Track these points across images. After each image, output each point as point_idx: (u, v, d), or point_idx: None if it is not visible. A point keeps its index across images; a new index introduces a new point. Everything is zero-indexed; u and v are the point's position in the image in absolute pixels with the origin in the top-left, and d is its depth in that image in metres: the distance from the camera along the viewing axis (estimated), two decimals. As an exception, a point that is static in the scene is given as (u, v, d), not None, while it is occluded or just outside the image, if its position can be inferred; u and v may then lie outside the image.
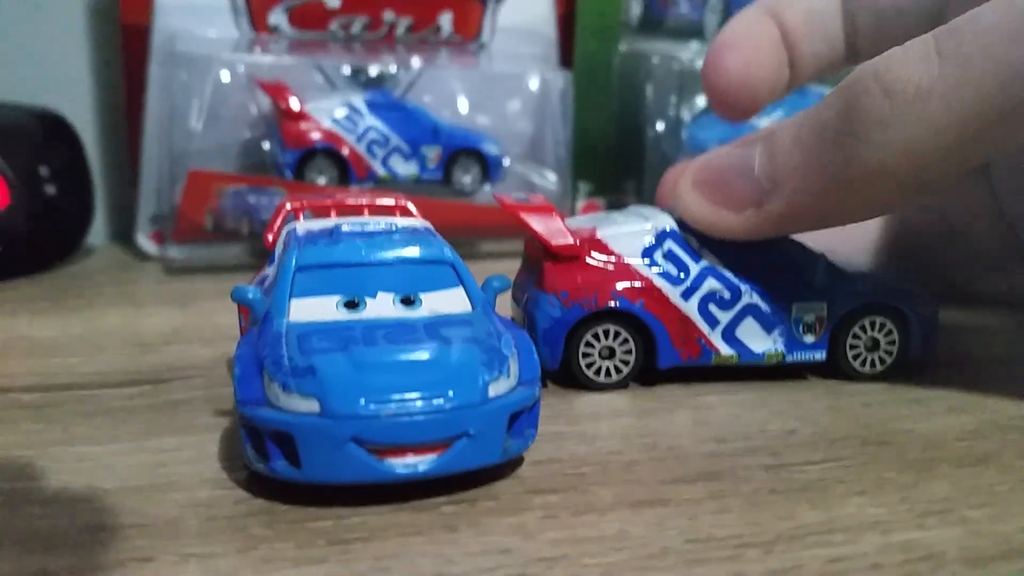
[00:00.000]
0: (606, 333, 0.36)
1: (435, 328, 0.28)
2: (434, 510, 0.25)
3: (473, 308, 0.30)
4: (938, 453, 0.30)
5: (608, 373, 0.36)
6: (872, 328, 0.37)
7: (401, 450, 0.25)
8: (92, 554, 0.23)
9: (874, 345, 0.37)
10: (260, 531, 0.24)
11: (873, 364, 0.37)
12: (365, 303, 0.29)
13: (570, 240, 0.36)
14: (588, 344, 0.36)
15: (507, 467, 0.28)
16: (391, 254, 0.31)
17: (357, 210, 0.38)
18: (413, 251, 0.31)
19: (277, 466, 0.25)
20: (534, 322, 0.36)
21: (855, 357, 0.37)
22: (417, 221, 0.35)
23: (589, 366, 0.36)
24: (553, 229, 0.36)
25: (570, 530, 0.24)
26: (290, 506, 0.25)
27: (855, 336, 0.37)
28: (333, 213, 0.37)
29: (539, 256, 0.37)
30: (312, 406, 0.25)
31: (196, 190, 0.59)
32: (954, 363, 0.40)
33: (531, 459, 0.29)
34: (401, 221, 0.34)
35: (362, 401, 0.25)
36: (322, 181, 0.62)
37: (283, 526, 0.24)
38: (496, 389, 0.26)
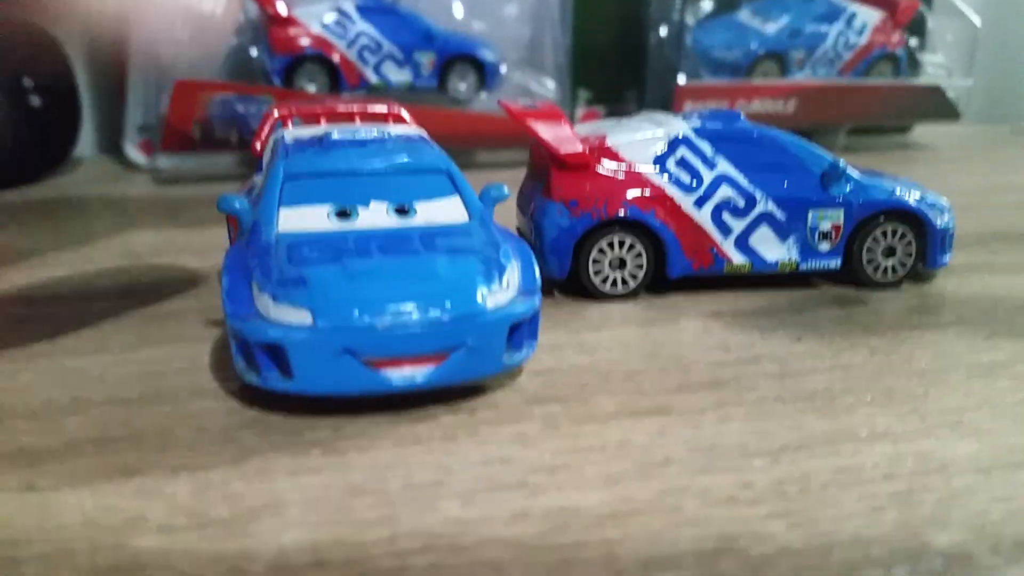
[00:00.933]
0: (617, 243, 0.35)
1: (431, 238, 0.27)
2: (433, 420, 0.25)
3: (470, 218, 0.29)
4: (949, 362, 0.29)
5: (617, 283, 0.35)
6: (890, 236, 0.36)
7: (397, 361, 0.24)
8: (80, 468, 0.22)
9: (890, 252, 0.36)
10: (253, 442, 0.23)
11: (887, 272, 0.36)
12: (358, 212, 0.28)
13: (579, 148, 0.34)
14: (598, 254, 0.35)
15: (507, 377, 0.27)
16: (384, 162, 0.29)
17: (348, 117, 0.36)
18: (407, 159, 0.30)
19: (269, 378, 0.24)
20: (541, 232, 0.35)
21: (870, 264, 0.36)
22: (411, 128, 0.34)
23: (598, 275, 0.35)
24: (562, 137, 0.34)
25: (571, 439, 0.24)
26: (284, 416, 0.25)
27: (872, 243, 0.36)
28: (323, 120, 0.35)
29: (546, 164, 0.35)
30: (304, 317, 0.24)
31: (183, 100, 0.57)
32: (966, 271, 0.39)
33: (532, 369, 0.28)
34: (394, 129, 0.33)
35: (355, 312, 0.24)
36: (312, 89, 0.61)
37: (277, 437, 0.24)
38: (495, 300, 0.25)
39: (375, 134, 0.31)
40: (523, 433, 0.24)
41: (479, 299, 0.25)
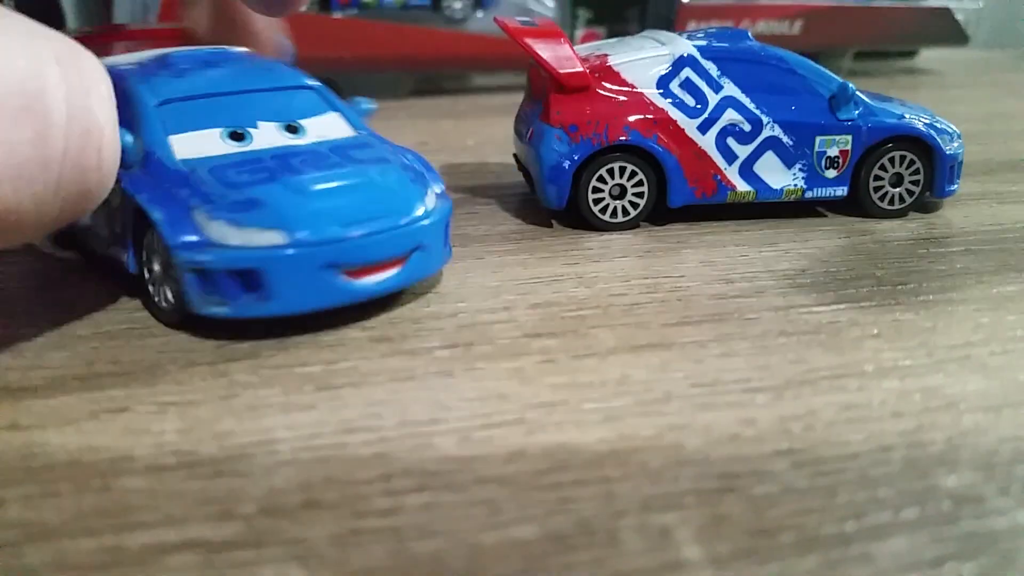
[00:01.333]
0: (618, 170, 0.34)
1: (343, 152, 0.27)
2: (427, 354, 0.24)
3: (356, 131, 0.29)
4: (957, 295, 0.28)
5: (617, 213, 0.34)
6: (897, 163, 0.35)
7: (370, 269, 0.25)
8: (64, 406, 0.21)
9: (898, 180, 0.35)
10: (244, 377, 0.23)
11: (894, 200, 0.35)
12: (250, 134, 0.27)
13: (579, 68, 0.33)
14: (599, 181, 0.34)
15: (504, 309, 0.27)
16: (256, 82, 0.29)
17: (142, 38, 0.33)
18: (277, 78, 0.29)
19: (241, 305, 0.24)
20: (539, 158, 0.34)
21: (877, 192, 0.35)
22: (236, 48, 0.31)
23: (597, 204, 0.34)
24: (561, 56, 0.33)
25: (569, 374, 0.23)
26: (275, 351, 0.24)
27: (880, 170, 0.35)
28: (116, 47, 0.33)
29: (545, 87, 0.34)
30: (276, 238, 0.24)
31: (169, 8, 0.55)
32: (974, 201, 0.38)
33: (528, 302, 0.27)
34: (232, 50, 0.31)
35: (330, 226, 0.24)
36: (302, 8, 0.58)
37: (268, 372, 0.23)
38: (430, 203, 0.27)
39: (220, 54, 0.30)
40: (520, 368, 0.23)
41: (425, 203, 0.27)
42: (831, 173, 0.35)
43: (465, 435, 0.20)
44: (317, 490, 0.18)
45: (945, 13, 0.76)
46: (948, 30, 0.76)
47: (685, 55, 0.34)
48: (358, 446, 0.20)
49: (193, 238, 0.24)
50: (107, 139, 0.22)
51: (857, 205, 0.36)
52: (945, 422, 0.21)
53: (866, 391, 0.22)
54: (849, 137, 0.34)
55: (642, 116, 0.33)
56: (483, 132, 0.40)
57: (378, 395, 0.22)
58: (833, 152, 0.34)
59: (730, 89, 0.34)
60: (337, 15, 0.59)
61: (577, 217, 0.34)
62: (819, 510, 0.18)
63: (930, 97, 0.67)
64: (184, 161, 0.26)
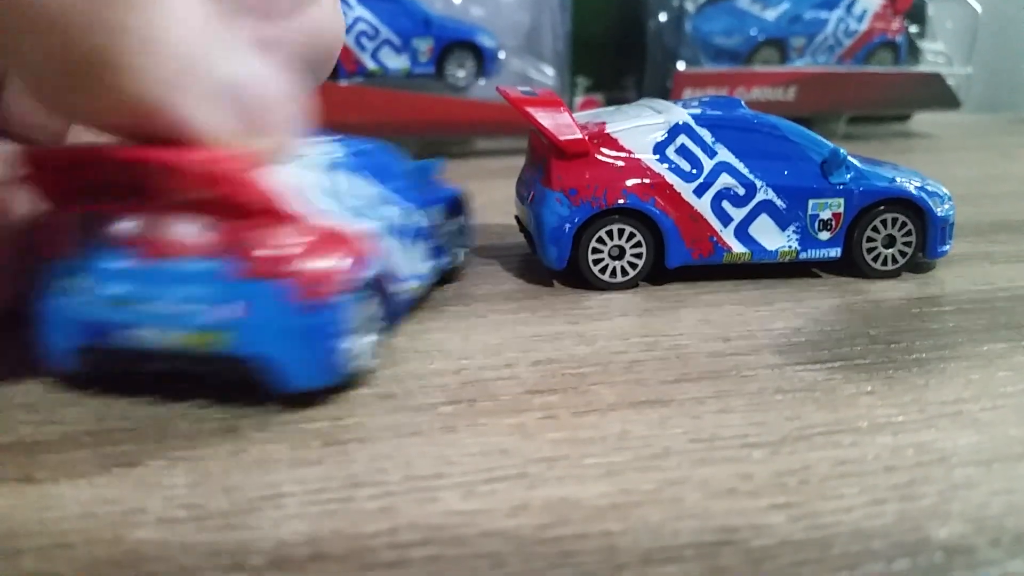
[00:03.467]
0: (616, 232, 0.35)
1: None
2: (431, 410, 0.25)
3: None
4: (949, 353, 0.29)
5: (617, 273, 0.35)
6: (890, 225, 0.36)
7: None
8: (77, 460, 0.22)
9: (891, 242, 0.36)
10: (252, 433, 0.23)
11: (887, 261, 0.36)
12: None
13: (579, 135, 0.34)
14: (598, 242, 0.35)
15: (506, 367, 0.27)
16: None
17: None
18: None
19: None
20: (540, 220, 0.35)
21: (870, 253, 0.36)
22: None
23: (597, 264, 0.35)
24: (561, 124, 0.34)
25: (570, 430, 0.24)
26: (283, 407, 0.25)
27: (872, 232, 0.36)
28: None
29: (545, 152, 0.35)
30: None
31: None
32: (966, 261, 0.39)
33: (530, 359, 0.28)
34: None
35: None
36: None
37: (276, 427, 0.24)
38: None
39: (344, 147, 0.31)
40: (522, 424, 0.24)
41: None
42: (824, 235, 0.36)
43: (469, 489, 0.21)
44: (325, 543, 0.19)
45: (936, 79, 0.78)
46: (940, 95, 0.78)
47: (680, 123, 0.35)
48: (364, 500, 0.20)
49: None
50: None
51: (851, 266, 0.36)
52: (937, 476, 0.21)
53: (860, 446, 0.23)
54: (841, 200, 0.35)
55: (640, 180, 0.34)
56: (485, 194, 0.41)
57: (384, 450, 0.23)
58: (826, 215, 0.35)
59: (724, 155, 0.35)
60: (344, 83, 0.61)
61: (577, 277, 0.35)
62: (814, 562, 0.18)
63: (923, 160, 0.68)
64: None
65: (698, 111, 0.36)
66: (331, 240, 0.25)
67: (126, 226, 0.25)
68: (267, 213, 0.24)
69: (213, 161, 0.23)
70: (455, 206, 0.36)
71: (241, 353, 0.24)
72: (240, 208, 0.24)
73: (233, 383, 0.25)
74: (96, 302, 0.24)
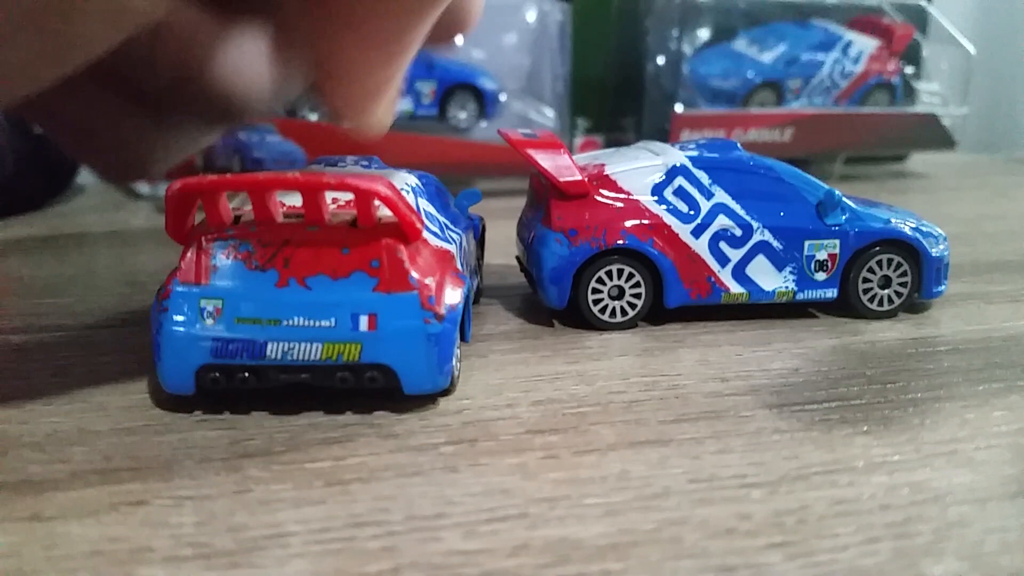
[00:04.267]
0: (616, 272, 0.35)
1: None
2: (433, 450, 0.25)
3: None
4: (944, 393, 0.29)
5: (616, 313, 0.36)
6: (885, 265, 0.36)
7: None
8: (84, 498, 0.22)
9: (886, 283, 0.37)
10: (256, 472, 0.24)
11: (883, 302, 0.37)
12: None
13: (578, 177, 0.35)
14: (598, 283, 0.35)
15: (507, 407, 0.28)
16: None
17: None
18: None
19: None
20: (540, 261, 0.35)
21: (866, 294, 0.37)
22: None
23: (597, 304, 0.35)
24: (561, 166, 0.35)
25: (571, 470, 0.24)
26: (286, 447, 0.25)
27: (868, 272, 0.36)
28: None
29: (546, 193, 0.36)
30: None
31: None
32: (961, 301, 0.39)
33: (531, 399, 0.28)
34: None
35: None
36: (313, 118, 0.61)
37: (280, 467, 0.24)
38: None
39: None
40: (523, 464, 0.24)
41: None
42: (820, 276, 0.36)
43: (470, 529, 0.21)
44: (328, 581, 0.19)
45: (932, 119, 0.79)
46: (935, 135, 0.79)
47: (678, 164, 0.36)
48: (367, 540, 0.21)
49: None
50: None
51: (847, 306, 0.37)
52: (932, 514, 0.21)
53: (856, 486, 0.23)
54: (837, 241, 0.36)
55: (638, 221, 0.35)
56: (487, 234, 0.41)
57: (386, 490, 0.23)
58: (822, 256, 0.36)
59: (721, 196, 0.36)
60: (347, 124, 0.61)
61: (577, 317, 0.36)
62: (811, 600, 0.18)
63: (920, 200, 0.69)
64: None
65: (695, 153, 0.36)
66: (441, 257, 0.29)
67: (259, 246, 0.27)
68: (398, 230, 0.27)
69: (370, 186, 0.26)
70: (480, 234, 0.39)
71: (371, 362, 0.26)
72: (372, 225, 0.27)
73: (354, 392, 0.27)
74: (227, 322, 0.26)
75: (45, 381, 0.30)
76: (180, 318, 0.26)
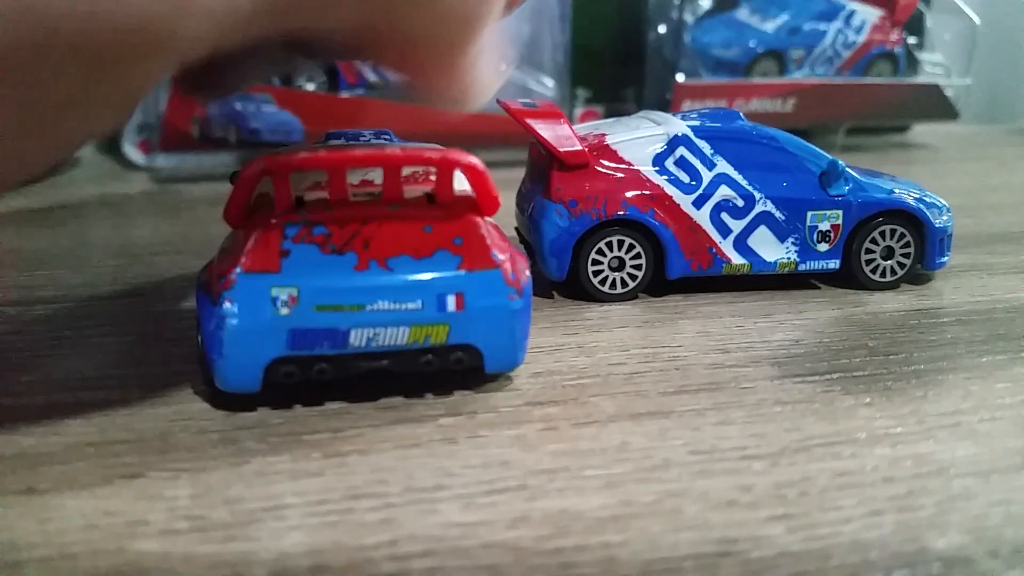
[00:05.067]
0: (616, 243, 0.35)
1: None
2: (432, 422, 0.25)
3: None
4: (947, 364, 0.29)
5: (616, 285, 0.35)
6: (888, 236, 0.36)
7: None
8: (80, 471, 0.22)
9: (889, 253, 0.36)
10: (253, 445, 0.23)
11: (886, 273, 0.36)
12: None
13: (578, 147, 0.34)
14: (598, 254, 0.35)
15: (506, 379, 0.27)
16: None
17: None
18: None
19: None
20: (540, 232, 0.35)
21: (869, 265, 0.36)
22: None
23: (597, 276, 0.35)
24: (561, 136, 0.34)
25: (571, 442, 0.24)
26: (284, 419, 0.25)
27: (871, 244, 0.36)
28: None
29: (545, 164, 0.35)
30: None
31: (181, 98, 0.57)
32: (964, 272, 0.39)
33: (530, 371, 0.28)
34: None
35: None
36: (311, 87, 0.60)
37: (277, 439, 0.24)
38: None
39: None
40: (523, 436, 0.24)
41: None
42: (823, 247, 0.36)
43: (469, 501, 0.21)
44: (325, 555, 0.19)
45: (935, 90, 0.78)
46: (938, 106, 0.78)
47: (679, 134, 0.35)
48: (365, 512, 0.20)
49: None
50: None
51: (850, 277, 0.37)
52: (935, 487, 0.21)
53: (859, 458, 0.23)
54: (840, 212, 0.35)
55: (639, 192, 0.35)
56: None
57: (384, 462, 0.23)
58: (824, 226, 0.36)
59: (723, 167, 0.35)
60: (344, 94, 0.61)
61: (577, 288, 0.35)
62: (813, 573, 0.18)
63: (922, 171, 0.68)
64: None
65: (697, 123, 0.36)
66: (501, 235, 0.27)
67: (336, 228, 0.25)
68: (474, 204, 0.26)
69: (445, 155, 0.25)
70: None
71: (458, 343, 0.26)
72: (451, 200, 0.26)
73: (431, 375, 0.26)
74: (305, 310, 0.24)
75: (39, 354, 0.30)
76: (247, 310, 0.24)
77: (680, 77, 0.70)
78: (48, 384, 0.27)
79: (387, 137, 0.33)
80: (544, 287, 0.37)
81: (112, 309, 0.34)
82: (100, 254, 0.42)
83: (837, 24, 0.75)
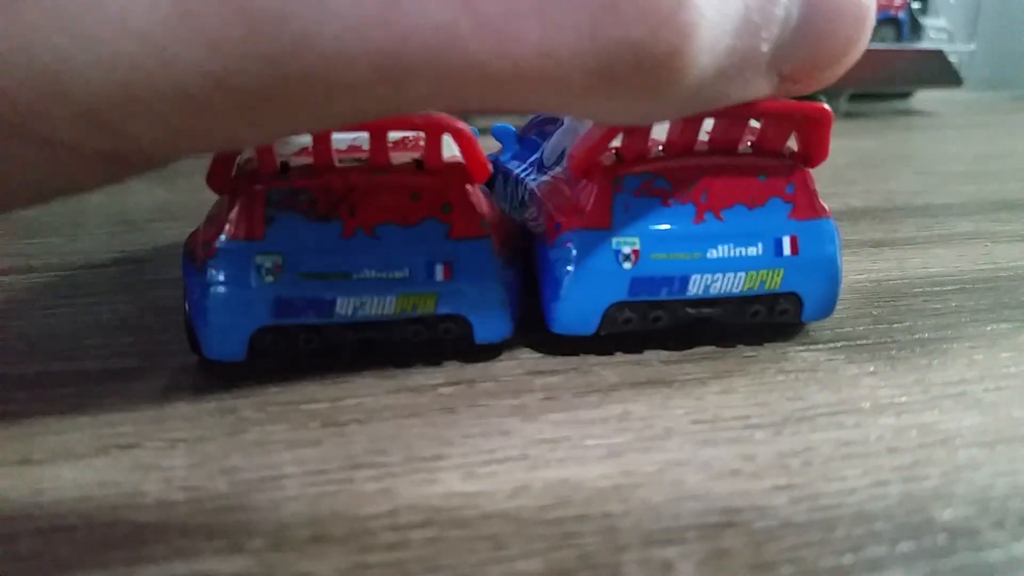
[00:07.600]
0: None
1: None
2: (431, 391, 0.25)
3: None
4: (951, 333, 0.29)
5: None
6: None
7: None
8: (74, 441, 0.22)
9: None
10: (251, 414, 0.23)
11: None
12: None
13: None
14: None
15: (506, 348, 0.27)
16: None
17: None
18: None
19: None
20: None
21: None
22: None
23: None
24: None
25: (572, 411, 0.23)
26: (282, 388, 0.25)
27: None
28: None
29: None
30: None
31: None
32: (969, 240, 0.39)
33: (531, 340, 0.28)
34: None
35: None
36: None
37: (275, 408, 0.24)
38: None
39: None
40: (523, 405, 0.24)
41: None
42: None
43: (469, 471, 0.21)
44: (324, 525, 0.19)
45: (938, 55, 0.77)
46: (942, 72, 0.78)
47: None
48: (364, 481, 0.20)
49: None
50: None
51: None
52: (940, 457, 0.21)
53: (863, 427, 0.23)
54: None
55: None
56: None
57: (383, 431, 0.22)
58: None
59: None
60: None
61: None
62: (817, 544, 0.18)
63: (925, 138, 0.68)
64: None
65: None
66: (491, 203, 0.27)
67: (322, 194, 0.24)
68: (464, 170, 0.25)
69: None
70: None
71: (447, 313, 0.25)
72: (440, 166, 0.25)
73: (421, 345, 0.26)
74: (290, 278, 0.24)
75: (34, 323, 0.29)
76: (231, 278, 0.24)
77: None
78: (43, 353, 0.27)
79: None
80: (544, 255, 0.36)
81: (108, 277, 0.34)
82: (96, 222, 0.41)
83: (841, -12, 0.74)
